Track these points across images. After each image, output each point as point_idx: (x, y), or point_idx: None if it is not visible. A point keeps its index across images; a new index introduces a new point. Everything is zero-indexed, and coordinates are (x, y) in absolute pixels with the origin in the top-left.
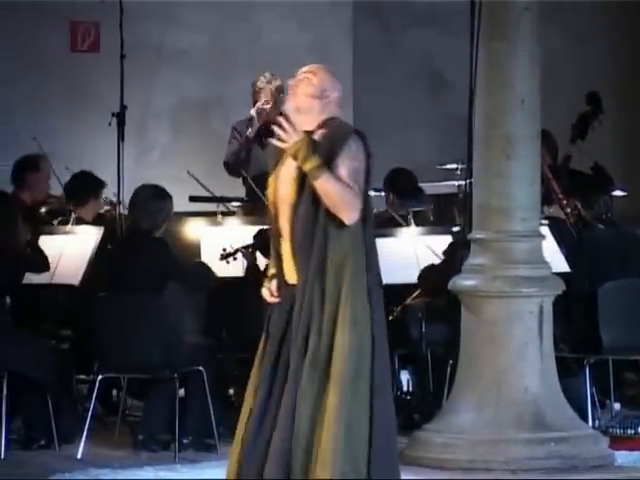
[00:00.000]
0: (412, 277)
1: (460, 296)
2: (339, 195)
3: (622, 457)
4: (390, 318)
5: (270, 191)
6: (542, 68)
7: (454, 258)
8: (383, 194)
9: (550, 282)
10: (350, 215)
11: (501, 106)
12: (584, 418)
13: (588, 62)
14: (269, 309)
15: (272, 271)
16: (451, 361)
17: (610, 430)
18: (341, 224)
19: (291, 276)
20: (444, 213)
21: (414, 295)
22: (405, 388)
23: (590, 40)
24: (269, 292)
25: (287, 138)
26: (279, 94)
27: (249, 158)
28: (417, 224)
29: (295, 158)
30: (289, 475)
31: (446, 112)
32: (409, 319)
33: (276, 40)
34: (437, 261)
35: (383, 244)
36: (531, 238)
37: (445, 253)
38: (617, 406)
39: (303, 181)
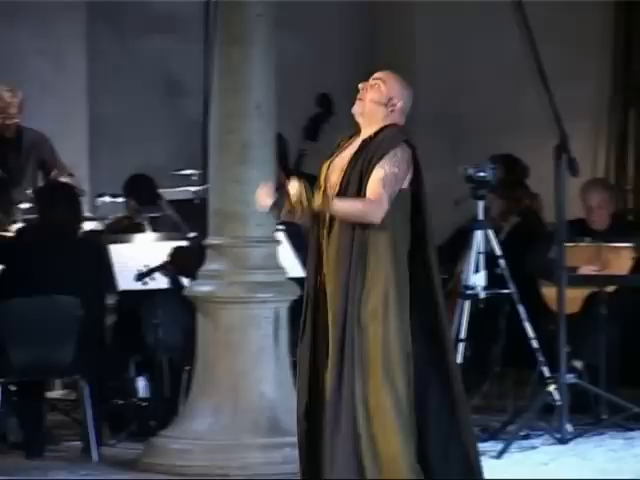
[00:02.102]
0: (149, 283)
1: (196, 302)
2: (352, 212)
3: None
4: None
5: (321, 178)
6: (277, 72)
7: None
8: (122, 200)
9: (286, 287)
10: (373, 220)
11: (236, 111)
12: None
13: (324, 65)
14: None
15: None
16: (188, 367)
17: None
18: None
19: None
20: (181, 219)
21: (159, 265)
22: (141, 394)
23: (325, 43)
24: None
25: (291, 190)
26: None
27: None
28: (155, 230)
29: (301, 205)
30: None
31: (183, 118)
32: (145, 325)
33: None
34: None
35: (121, 250)
36: (267, 244)
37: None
38: None
39: (350, 173)
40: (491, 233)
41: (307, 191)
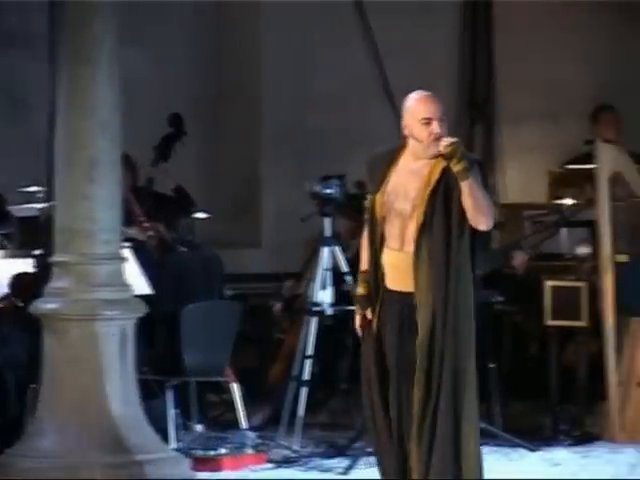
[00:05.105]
0: None
1: (42, 319)
2: (483, 198)
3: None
4: None
5: (378, 205)
6: (123, 90)
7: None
8: None
9: (132, 305)
10: (489, 220)
11: (83, 130)
12: (166, 440)
13: (170, 82)
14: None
15: (361, 290)
16: (33, 384)
17: (192, 451)
18: (462, 237)
19: (401, 284)
20: (27, 236)
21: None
22: None
23: (171, 59)
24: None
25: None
26: None
27: None
28: (1, 247)
29: (450, 158)
30: None
31: (28, 135)
32: None
33: None
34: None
35: None
36: (113, 261)
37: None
38: (199, 427)
39: (433, 197)
40: (338, 250)
41: (462, 152)
